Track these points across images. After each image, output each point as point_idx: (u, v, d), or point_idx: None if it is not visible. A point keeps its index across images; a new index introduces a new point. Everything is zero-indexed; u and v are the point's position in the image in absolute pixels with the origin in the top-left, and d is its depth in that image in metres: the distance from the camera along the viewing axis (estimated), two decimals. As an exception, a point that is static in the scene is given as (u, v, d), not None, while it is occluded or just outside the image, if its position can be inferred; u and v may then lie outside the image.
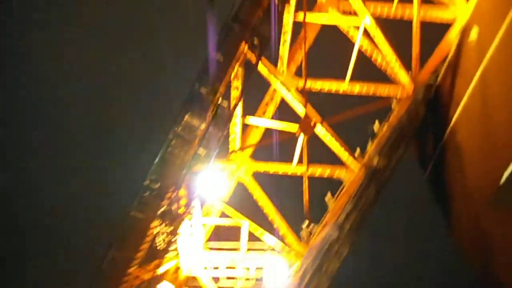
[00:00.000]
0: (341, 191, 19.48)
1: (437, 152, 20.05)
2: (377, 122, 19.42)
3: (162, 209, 18.32)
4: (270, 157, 20.14)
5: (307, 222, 19.51)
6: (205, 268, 19.28)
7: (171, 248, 18.64)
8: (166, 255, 18.62)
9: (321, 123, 18.84)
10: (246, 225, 19.19)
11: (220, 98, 18.72)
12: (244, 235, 19.35)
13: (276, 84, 19.86)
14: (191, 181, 17.97)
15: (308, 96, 19.22)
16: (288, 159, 19.46)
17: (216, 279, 19.61)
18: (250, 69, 19.40)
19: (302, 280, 19.34)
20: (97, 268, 17.15)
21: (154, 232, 18.37)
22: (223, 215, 19.81)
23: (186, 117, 18.34)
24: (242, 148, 19.97)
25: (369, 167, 18.82)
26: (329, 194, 19.38)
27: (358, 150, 19.42)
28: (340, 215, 18.94)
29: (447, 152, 19.39)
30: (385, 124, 19.36)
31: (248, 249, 19.40)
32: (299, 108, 19.21)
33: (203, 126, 18.84)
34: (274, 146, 19.79)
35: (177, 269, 19.30)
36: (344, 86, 19.78)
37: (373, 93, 19.84)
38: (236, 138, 19.88)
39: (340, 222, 18.98)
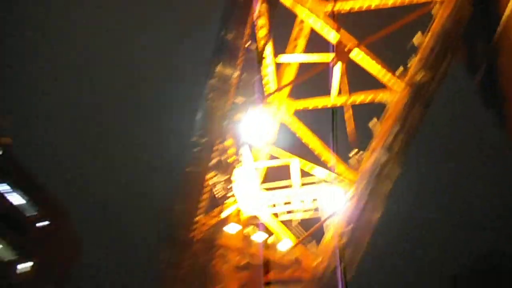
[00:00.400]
0: (385, 114, 18.32)
1: (488, 52, 17.84)
2: (419, 33, 17.30)
3: (213, 161, 18.58)
4: (308, 93, 19.07)
5: (355, 150, 18.89)
6: (264, 207, 19.70)
7: (230, 194, 19.15)
8: (227, 201, 19.22)
9: (358, 46, 17.14)
10: (295, 163, 18.96)
11: (248, 41, 17.54)
12: (295, 172, 19.24)
13: (303, 13, 18.05)
14: (235, 130, 17.74)
15: (339, 20, 17.35)
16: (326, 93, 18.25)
17: (275, 215, 20.09)
18: (273, 3, 17.72)
19: (357, 204, 19.32)
20: (167, 223, 18.22)
21: (211, 183, 18.88)
22: (273, 157, 19.61)
23: (218, 67, 17.59)
24: (278, 89, 19.03)
25: (413, 84, 17.28)
26: (374, 120, 18.32)
27: (400, 68, 17.69)
28: (387, 137, 18.05)
29: (499, 50, 17.17)
30: (427, 34, 17.24)
31: (302, 184, 19.39)
32: (332, 35, 17.50)
33: (236, 73, 18.05)
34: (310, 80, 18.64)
35: (239, 211, 19.96)
36: (376, 0, 17.55)
37: (410, 0, 17.45)
38: (271, 79, 18.87)
39: (388, 144, 18.16)
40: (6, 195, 27.23)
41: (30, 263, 28.25)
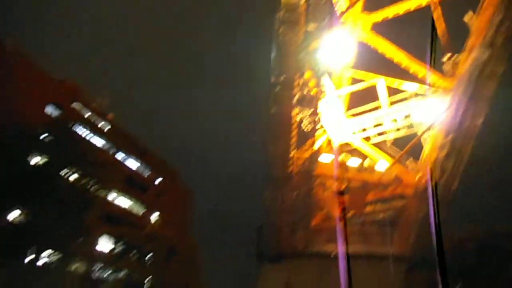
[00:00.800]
0: (483, 3, 15.17)
1: None
2: None
3: (296, 97, 17.89)
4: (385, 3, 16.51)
5: (447, 54, 16.37)
6: (354, 133, 18.80)
7: (318, 126, 18.58)
8: (316, 133, 18.74)
9: None
10: (381, 82, 17.27)
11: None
12: (382, 92, 17.63)
13: None
14: (313, 60, 16.54)
15: None
16: None
17: (367, 138, 19.12)
18: None
19: (456, 112, 17.19)
20: (267, 168, 18.58)
21: (298, 119, 18.42)
22: (356, 80, 18.12)
23: (283, -3, 16.07)
24: (351, 5, 16.86)
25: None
26: (469, 13, 15.33)
27: None
28: (487, 31, 15.12)
29: None
30: None
31: (391, 103, 17.81)
32: None
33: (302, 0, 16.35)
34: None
35: (330, 141, 19.42)
36: None
37: None
38: (341, -4, 16.72)
39: (489, 38, 15.23)
40: (123, 161, 31.01)
41: (157, 213, 32.52)
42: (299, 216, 18.78)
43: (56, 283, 19.73)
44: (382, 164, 19.93)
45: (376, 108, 18.19)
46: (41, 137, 22.47)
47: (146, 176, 33.05)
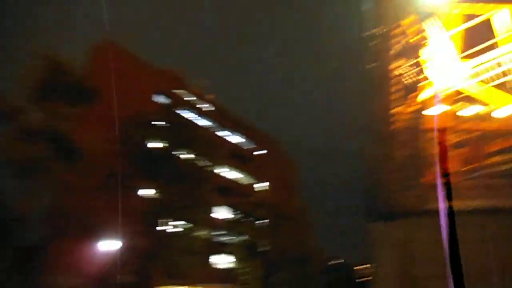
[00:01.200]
0: None
1: None
2: None
3: (394, 48, 16.35)
4: None
5: None
6: (468, 77, 16.42)
7: (421, 76, 16.76)
8: (421, 84, 16.96)
9: None
10: (501, 13, 14.53)
11: None
12: (501, 25, 14.88)
13: None
14: (413, 2, 14.72)
15: None
16: None
17: (484, 82, 16.54)
18: None
19: None
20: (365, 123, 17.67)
21: (398, 72, 16.89)
22: (468, 16, 15.53)
23: None
24: None
25: None
26: None
27: None
28: None
29: None
30: None
31: (513, 37, 14.94)
32: None
33: None
34: None
35: (436, 91, 17.38)
36: None
37: None
38: None
39: None
40: (228, 138, 33.27)
41: (265, 184, 34.29)
42: (410, 173, 17.54)
43: (187, 246, 22.43)
44: (503, 110, 17.14)
45: (494, 46, 15.53)
46: (156, 124, 25.12)
47: (250, 149, 35.04)
